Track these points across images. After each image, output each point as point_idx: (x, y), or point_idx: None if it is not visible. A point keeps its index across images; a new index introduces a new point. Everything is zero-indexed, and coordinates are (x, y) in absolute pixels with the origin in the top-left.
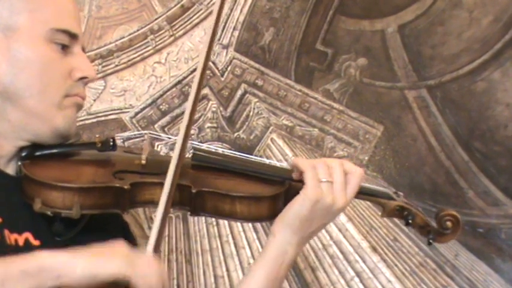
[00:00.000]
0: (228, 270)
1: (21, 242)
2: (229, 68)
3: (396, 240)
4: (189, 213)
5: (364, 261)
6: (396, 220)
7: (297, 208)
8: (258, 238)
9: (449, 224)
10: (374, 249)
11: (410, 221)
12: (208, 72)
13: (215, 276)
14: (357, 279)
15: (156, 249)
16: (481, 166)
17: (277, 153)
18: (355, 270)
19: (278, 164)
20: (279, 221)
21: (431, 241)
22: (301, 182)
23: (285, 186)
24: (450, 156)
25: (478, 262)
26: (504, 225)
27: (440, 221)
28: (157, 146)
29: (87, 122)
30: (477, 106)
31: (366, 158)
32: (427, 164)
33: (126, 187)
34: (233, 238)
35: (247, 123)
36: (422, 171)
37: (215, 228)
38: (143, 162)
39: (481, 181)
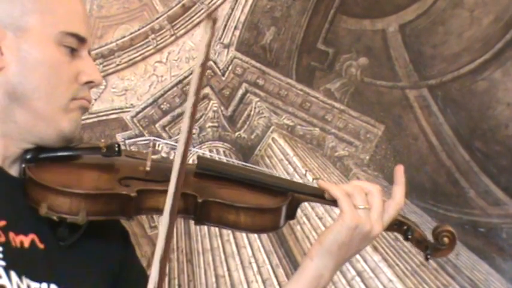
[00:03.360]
0: (229, 269)
1: (26, 244)
2: (230, 68)
3: (397, 240)
4: (193, 222)
5: (365, 261)
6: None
7: (335, 234)
8: (259, 238)
9: (446, 240)
10: (375, 249)
11: (409, 236)
12: (209, 71)
13: (216, 276)
14: (358, 278)
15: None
16: (482, 166)
17: (278, 153)
18: (356, 269)
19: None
20: (317, 245)
21: (428, 256)
22: (335, 201)
23: (288, 197)
24: (451, 156)
25: (479, 261)
26: (505, 224)
27: (437, 236)
28: (159, 145)
29: (88, 121)
30: (478, 106)
31: (367, 157)
32: (428, 163)
33: (132, 195)
34: (234, 237)
35: (248, 122)
36: (423, 170)
37: (216, 227)
38: (148, 169)
39: (482, 181)
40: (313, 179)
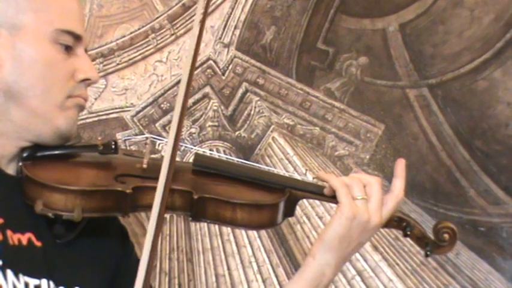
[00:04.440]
0: (229, 268)
1: (24, 242)
2: (230, 67)
3: (397, 239)
4: (190, 218)
5: (365, 260)
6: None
7: (334, 227)
8: (259, 237)
9: (446, 236)
10: (375, 248)
11: (408, 233)
12: (209, 71)
13: (216, 275)
14: (358, 278)
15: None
16: (482, 165)
17: (279, 152)
18: (356, 269)
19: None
20: (318, 242)
21: (428, 253)
22: (333, 198)
23: (285, 194)
24: (451, 155)
25: (479, 261)
26: (505, 224)
27: (437, 233)
28: (159, 145)
29: (88, 120)
30: (478, 105)
31: (367, 156)
32: (428, 162)
33: (128, 191)
34: (234, 237)
35: (248, 122)
36: (424, 170)
37: (216, 226)
38: (145, 166)
39: (482, 180)
40: (313, 178)
